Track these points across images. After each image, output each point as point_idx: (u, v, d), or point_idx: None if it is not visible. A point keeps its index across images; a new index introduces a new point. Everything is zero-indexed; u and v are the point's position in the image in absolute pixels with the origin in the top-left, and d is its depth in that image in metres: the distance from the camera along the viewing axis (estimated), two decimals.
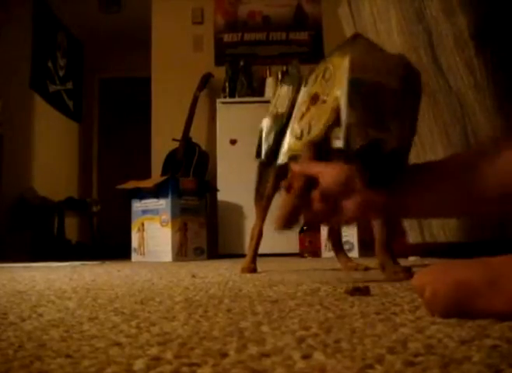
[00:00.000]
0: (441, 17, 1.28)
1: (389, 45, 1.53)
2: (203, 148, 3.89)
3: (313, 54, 4.13)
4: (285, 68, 3.93)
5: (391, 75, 0.97)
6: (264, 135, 1.42)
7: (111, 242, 4.50)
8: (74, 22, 5.11)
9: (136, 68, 5.19)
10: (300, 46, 4.18)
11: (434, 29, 1.32)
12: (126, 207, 3.29)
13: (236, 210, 3.51)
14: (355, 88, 0.95)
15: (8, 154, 3.82)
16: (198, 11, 4.24)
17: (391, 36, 1.51)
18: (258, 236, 1.54)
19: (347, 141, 0.93)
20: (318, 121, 1.07)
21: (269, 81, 3.88)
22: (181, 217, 3.04)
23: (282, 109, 1.36)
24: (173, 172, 3.55)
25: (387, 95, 0.95)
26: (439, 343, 0.42)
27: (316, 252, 3.01)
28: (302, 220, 0.98)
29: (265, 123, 1.44)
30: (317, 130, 1.07)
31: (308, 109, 1.16)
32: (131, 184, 3.23)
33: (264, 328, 0.51)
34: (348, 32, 1.85)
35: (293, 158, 1.23)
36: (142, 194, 3.13)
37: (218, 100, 3.78)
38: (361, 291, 0.78)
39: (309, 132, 1.11)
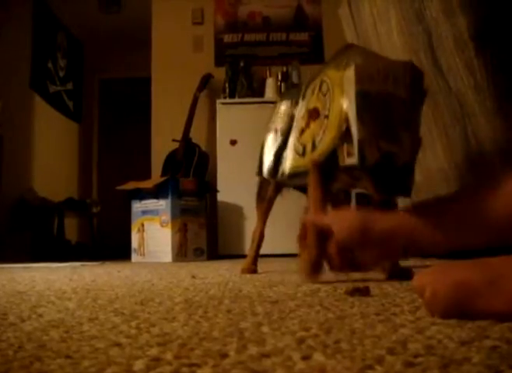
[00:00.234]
0: (441, 18, 1.28)
1: (389, 46, 1.53)
2: (203, 148, 3.89)
3: (314, 54, 4.13)
4: (285, 69, 3.93)
5: (398, 84, 0.96)
6: (265, 151, 1.43)
7: (111, 243, 4.50)
8: (74, 23, 5.11)
9: (136, 69, 5.19)
10: (300, 46, 4.18)
11: (434, 30, 1.32)
12: (126, 208, 3.29)
13: (236, 211, 3.51)
14: (363, 100, 0.94)
15: (8, 154, 3.82)
16: (198, 11, 4.25)
17: (391, 37, 1.51)
18: (259, 238, 1.55)
19: (360, 157, 0.92)
20: (323, 138, 1.06)
21: (269, 82, 3.88)
22: (181, 218, 3.04)
23: (282, 124, 1.37)
24: (173, 173, 3.55)
25: (395, 105, 0.94)
26: (439, 343, 0.42)
27: None
28: (326, 267, 1.03)
29: (266, 139, 1.45)
30: (323, 146, 1.06)
31: (308, 124, 1.16)
32: (131, 185, 3.23)
33: (265, 328, 0.51)
34: (349, 33, 1.85)
35: (295, 175, 1.23)
36: (142, 195, 3.13)
37: (218, 101, 3.78)
38: (361, 292, 0.78)
39: (313, 149, 1.11)
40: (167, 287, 1.06)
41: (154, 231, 3.06)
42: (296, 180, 1.27)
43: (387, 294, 0.80)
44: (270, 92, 3.82)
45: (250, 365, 0.36)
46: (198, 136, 3.93)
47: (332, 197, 1.16)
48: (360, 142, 0.92)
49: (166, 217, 3.01)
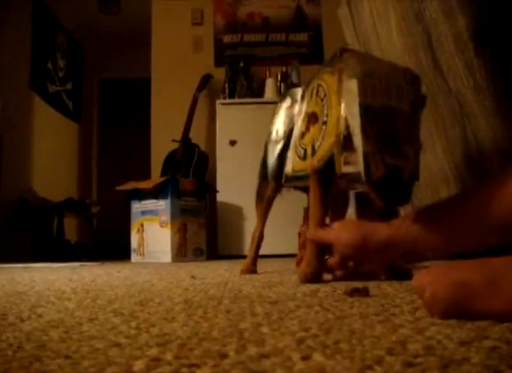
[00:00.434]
0: (441, 18, 1.28)
1: (389, 46, 1.53)
2: (203, 148, 3.89)
3: (313, 55, 4.13)
4: (284, 69, 3.93)
5: (401, 98, 0.97)
6: (268, 154, 1.44)
7: (111, 243, 4.50)
8: (74, 23, 5.11)
9: (136, 69, 5.19)
10: (300, 47, 4.18)
11: (434, 31, 1.32)
12: (125, 208, 3.29)
13: (236, 211, 3.51)
14: (367, 113, 0.94)
15: (8, 154, 3.82)
16: (197, 12, 4.25)
17: (391, 37, 1.51)
18: (259, 239, 1.55)
19: (366, 171, 0.93)
20: (322, 144, 1.08)
21: (269, 83, 3.88)
22: (181, 218, 3.04)
23: (283, 126, 1.37)
24: (172, 173, 3.55)
25: (399, 120, 0.95)
26: (438, 344, 0.42)
27: None
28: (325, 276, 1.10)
29: (268, 141, 1.45)
30: (322, 152, 1.08)
31: (308, 128, 1.18)
32: (130, 185, 3.23)
33: (264, 329, 0.51)
34: (348, 33, 1.85)
35: (298, 178, 1.24)
36: (142, 195, 3.13)
37: (217, 101, 3.78)
38: (360, 292, 0.78)
39: (313, 153, 1.12)
40: (167, 287, 1.06)
41: (154, 231, 3.06)
42: (299, 182, 1.27)
43: (386, 295, 0.80)
44: (269, 92, 3.82)
45: (250, 365, 0.36)
46: (197, 136, 3.93)
47: (331, 198, 1.18)
48: (365, 156, 0.92)
49: (166, 217, 3.01)
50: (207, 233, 3.26)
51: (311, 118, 1.16)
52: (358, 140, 0.94)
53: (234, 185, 3.47)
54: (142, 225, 3.12)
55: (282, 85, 3.85)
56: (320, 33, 4.18)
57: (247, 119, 3.59)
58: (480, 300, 0.51)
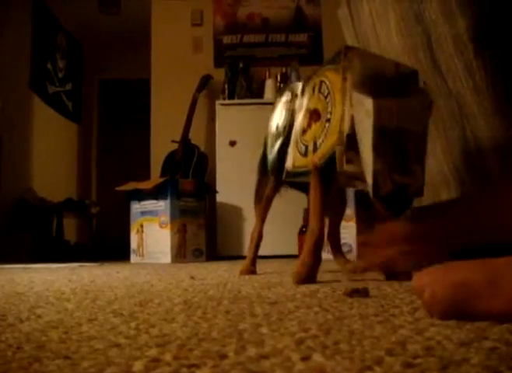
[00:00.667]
0: (440, 19, 1.28)
1: (388, 47, 1.53)
2: (202, 149, 3.89)
3: (313, 55, 4.14)
4: (284, 70, 3.94)
5: (415, 119, 0.98)
6: (268, 149, 1.44)
7: (110, 244, 4.50)
8: (73, 24, 5.11)
9: (136, 70, 5.19)
10: (300, 48, 4.18)
11: (433, 32, 1.32)
12: (125, 209, 3.29)
13: (235, 212, 3.51)
14: (381, 135, 0.95)
15: (8, 155, 3.82)
16: (197, 13, 4.25)
17: (390, 38, 1.51)
18: (258, 239, 1.55)
19: (374, 187, 0.95)
20: (324, 141, 1.08)
21: (268, 83, 3.88)
22: (180, 219, 3.04)
23: (283, 120, 1.37)
24: (172, 174, 3.55)
25: (410, 140, 0.97)
26: (438, 344, 0.42)
27: None
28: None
29: (268, 136, 1.45)
30: (323, 150, 1.08)
31: (309, 125, 1.18)
32: (130, 185, 3.23)
33: (263, 329, 0.51)
34: (348, 34, 1.85)
35: (298, 174, 1.24)
36: (141, 196, 3.13)
37: (217, 102, 3.78)
38: (360, 293, 0.78)
39: (314, 150, 1.13)
40: (166, 288, 1.06)
41: (153, 232, 3.06)
42: (299, 178, 1.28)
43: (386, 295, 0.80)
44: (269, 93, 3.82)
45: (249, 366, 0.36)
46: (197, 137, 3.93)
47: (330, 197, 1.19)
48: (375, 174, 0.94)
49: (166, 218, 3.01)
50: (206, 234, 3.26)
51: (313, 115, 1.16)
52: (368, 156, 0.95)
53: (234, 185, 3.47)
54: (142, 226, 3.12)
55: (281, 85, 3.85)
56: (319, 34, 4.18)
57: (246, 119, 3.59)
58: (480, 300, 0.51)
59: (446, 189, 1.44)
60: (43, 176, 4.46)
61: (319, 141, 1.10)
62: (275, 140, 1.38)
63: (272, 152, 1.39)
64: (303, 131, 1.20)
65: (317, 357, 0.38)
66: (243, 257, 1.65)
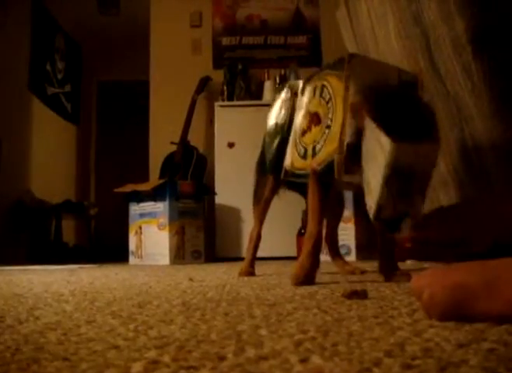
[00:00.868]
0: (439, 21, 1.28)
1: (387, 49, 1.53)
2: (201, 151, 3.89)
3: (312, 57, 4.14)
4: (283, 72, 3.94)
5: (426, 161, 1.02)
6: (266, 148, 1.44)
7: (109, 245, 4.49)
8: (72, 25, 5.11)
9: (134, 71, 5.19)
10: (298, 49, 4.19)
11: (432, 34, 1.32)
12: (124, 210, 3.29)
13: (234, 214, 3.51)
14: (393, 172, 0.98)
15: (6, 156, 3.82)
16: (196, 14, 4.25)
17: (389, 40, 1.51)
18: (256, 240, 1.55)
19: (377, 214, 0.98)
20: (324, 147, 1.10)
21: (267, 85, 3.88)
22: (179, 221, 3.03)
23: (281, 118, 1.37)
24: (170, 176, 3.55)
25: (417, 178, 1.00)
26: (436, 346, 0.42)
27: None
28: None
29: (266, 134, 1.45)
30: (322, 156, 1.09)
31: (309, 128, 1.19)
32: (128, 187, 3.22)
33: (262, 331, 0.51)
34: (346, 36, 1.85)
35: (296, 175, 1.25)
36: (140, 197, 3.13)
37: (216, 103, 3.78)
38: (358, 295, 0.78)
39: (313, 155, 1.13)
40: (165, 289, 1.06)
41: (152, 233, 3.06)
42: (297, 179, 1.28)
43: (384, 297, 0.80)
44: (268, 94, 3.82)
45: (248, 368, 0.36)
46: (195, 138, 3.93)
47: (328, 200, 1.20)
48: (379, 205, 0.97)
49: (164, 219, 3.00)
50: (205, 235, 3.26)
51: (313, 118, 1.16)
52: (375, 187, 0.97)
53: (232, 187, 3.47)
54: (140, 228, 3.12)
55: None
56: (318, 36, 4.19)
57: (245, 121, 3.59)
58: (478, 302, 0.51)
59: (444, 190, 1.44)
60: (41, 177, 4.46)
61: (318, 147, 1.11)
62: (274, 138, 1.38)
63: (271, 150, 1.39)
64: (303, 133, 1.20)
65: (316, 359, 0.38)
66: (242, 259, 1.65)
